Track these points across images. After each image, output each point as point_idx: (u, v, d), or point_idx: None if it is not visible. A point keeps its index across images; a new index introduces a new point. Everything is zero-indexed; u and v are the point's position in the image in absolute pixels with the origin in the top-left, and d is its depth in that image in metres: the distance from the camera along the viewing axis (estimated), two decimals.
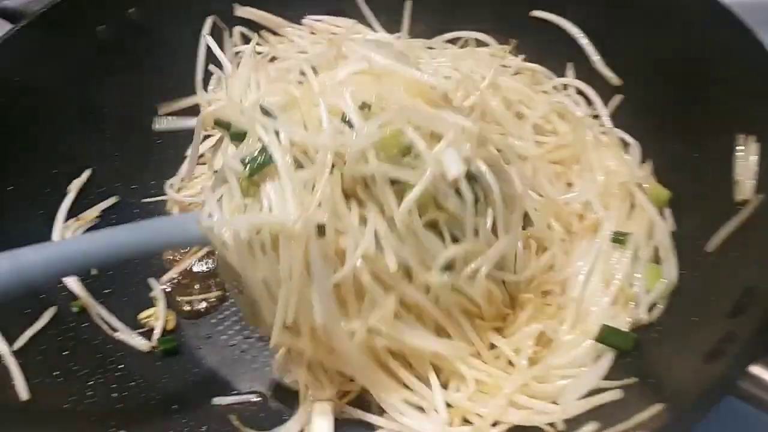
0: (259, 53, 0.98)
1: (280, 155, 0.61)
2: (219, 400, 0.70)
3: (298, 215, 0.58)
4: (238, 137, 0.65)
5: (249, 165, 0.61)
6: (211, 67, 0.93)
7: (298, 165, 0.61)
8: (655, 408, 0.57)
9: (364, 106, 0.62)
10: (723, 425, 0.55)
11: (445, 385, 0.67)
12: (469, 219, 0.64)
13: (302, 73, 0.70)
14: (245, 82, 0.70)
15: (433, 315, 0.67)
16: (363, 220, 0.62)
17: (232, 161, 0.63)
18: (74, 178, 0.83)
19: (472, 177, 0.64)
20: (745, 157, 0.70)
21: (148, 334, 0.76)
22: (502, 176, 0.70)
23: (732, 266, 0.67)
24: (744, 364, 0.54)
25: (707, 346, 0.61)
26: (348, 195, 0.63)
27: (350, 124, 0.61)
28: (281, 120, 0.63)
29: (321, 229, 0.59)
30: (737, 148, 0.71)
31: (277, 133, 0.61)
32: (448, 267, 0.65)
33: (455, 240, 0.65)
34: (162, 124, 0.89)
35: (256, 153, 0.61)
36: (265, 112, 0.63)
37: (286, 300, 0.61)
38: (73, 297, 0.76)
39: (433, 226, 0.64)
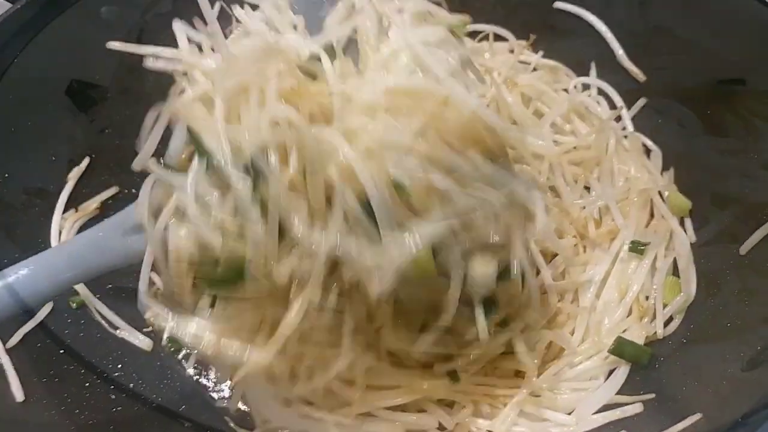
0: None
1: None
2: (222, 403, 0.68)
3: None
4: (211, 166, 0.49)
5: (219, 277, 0.47)
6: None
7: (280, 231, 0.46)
8: (693, 419, 0.56)
9: (397, 188, 0.45)
10: None
11: (451, 405, 0.65)
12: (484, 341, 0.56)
13: (318, 59, 0.52)
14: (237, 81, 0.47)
15: None
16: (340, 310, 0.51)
17: (197, 218, 0.47)
18: (74, 166, 0.80)
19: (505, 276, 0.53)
20: None
21: (152, 333, 0.73)
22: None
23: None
24: None
25: (745, 353, 0.60)
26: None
27: (369, 210, 0.44)
28: (273, 193, 0.45)
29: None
30: None
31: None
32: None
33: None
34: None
35: (230, 252, 0.46)
36: (254, 165, 0.46)
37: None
38: (71, 292, 0.73)
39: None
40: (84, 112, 0.82)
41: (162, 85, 0.83)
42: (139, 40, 0.87)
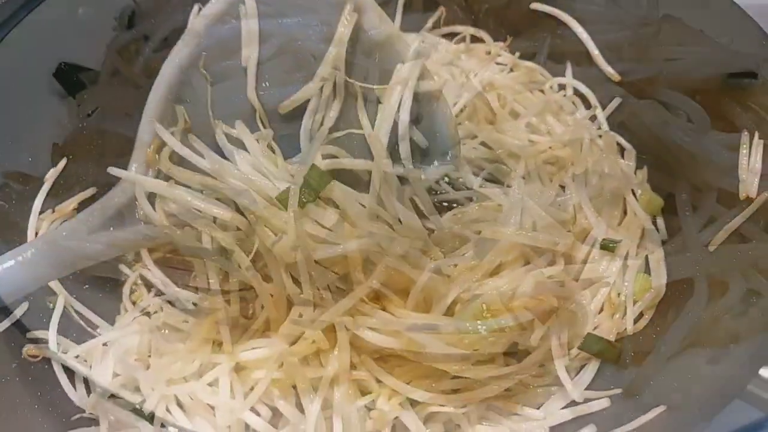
0: None
1: None
2: None
3: None
4: None
5: None
6: None
7: None
8: (656, 411, 0.57)
9: None
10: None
11: None
12: None
13: None
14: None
15: None
16: None
17: None
18: (50, 167, 0.80)
19: None
20: (749, 154, 0.70)
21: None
22: None
23: (734, 265, 0.66)
24: (755, 367, 0.54)
25: (711, 348, 0.61)
26: None
27: None
28: None
29: None
30: (743, 146, 0.70)
31: None
32: None
33: None
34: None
35: None
36: None
37: None
38: (48, 292, 0.72)
39: None
40: (60, 109, 0.83)
41: (150, 70, 0.84)
42: (130, 23, 0.88)
